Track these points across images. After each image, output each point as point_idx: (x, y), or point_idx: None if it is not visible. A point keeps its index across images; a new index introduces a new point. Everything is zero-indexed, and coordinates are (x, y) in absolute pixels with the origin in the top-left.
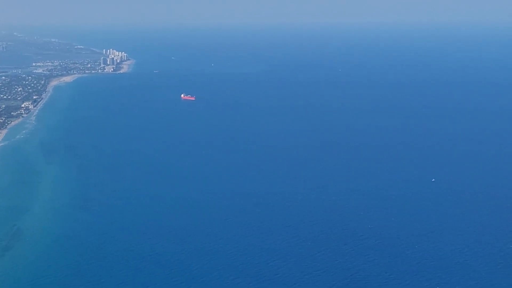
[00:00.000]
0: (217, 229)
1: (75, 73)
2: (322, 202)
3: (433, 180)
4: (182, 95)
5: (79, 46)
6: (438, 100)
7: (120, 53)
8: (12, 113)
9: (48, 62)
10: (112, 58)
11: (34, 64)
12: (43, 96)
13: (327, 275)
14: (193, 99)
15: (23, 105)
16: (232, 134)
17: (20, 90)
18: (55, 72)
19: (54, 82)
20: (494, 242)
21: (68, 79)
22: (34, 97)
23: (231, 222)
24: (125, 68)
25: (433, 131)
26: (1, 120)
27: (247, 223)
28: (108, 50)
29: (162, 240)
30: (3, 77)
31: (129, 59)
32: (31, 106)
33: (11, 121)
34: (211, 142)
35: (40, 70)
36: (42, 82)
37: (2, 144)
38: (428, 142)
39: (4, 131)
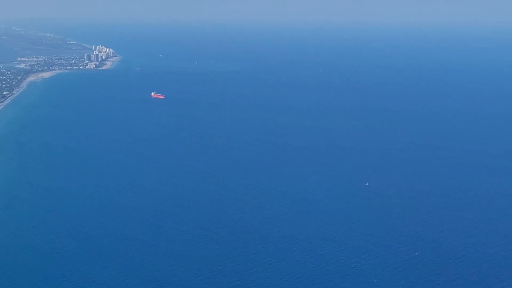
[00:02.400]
0: (129, 230)
1: (56, 69)
2: (243, 204)
3: (367, 184)
4: (153, 93)
5: (71, 42)
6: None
7: (107, 49)
8: None
9: (34, 57)
10: (97, 55)
11: (19, 59)
12: (14, 91)
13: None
14: (163, 97)
15: None
16: (183, 133)
17: None
18: (37, 68)
19: (31, 78)
20: (403, 249)
21: (46, 75)
22: (4, 93)
23: (146, 222)
24: (108, 65)
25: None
26: None
27: (161, 224)
28: (97, 46)
29: (67, 238)
30: None
31: (115, 56)
32: None
33: None
34: (159, 140)
35: (22, 66)
36: (19, 77)
37: None
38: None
39: None
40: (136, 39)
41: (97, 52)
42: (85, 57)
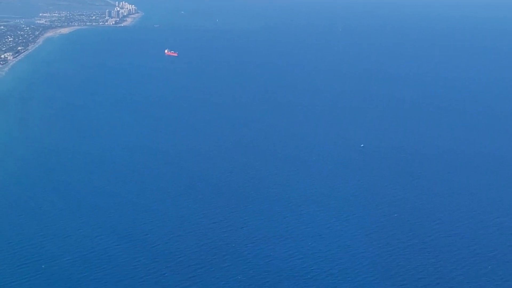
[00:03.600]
0: (113, 187)
1: (75, 25)
2: (232, 162)
3: (362, 145)
4: (166, 51)
5: None
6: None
7: (130, 6)
8: None
9: (55, 13)
10: (118, 11)
11: (40, 14)
12: (29, 47)
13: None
14: (176, 55)
15: (2, 56)
16: (187, 91)
17: (11, 40)
18: (57, 24)
19: (49, 34)
20: (384, 210)
21: (65, 30)
22: (19, 48)
23: (131, 179)
24: (128, 21)
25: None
26: None
27: (146, 181)
28: (120, 3)
29: (50, 194)
30: (2, 27)
31: (137, 12)
32: (10, 57)
33: None
34: (162, 99)
35: (43, 21)
36: (37, 33)
37: None
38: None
39: None
40: None
41: (118, 9)
42: (106, 14)
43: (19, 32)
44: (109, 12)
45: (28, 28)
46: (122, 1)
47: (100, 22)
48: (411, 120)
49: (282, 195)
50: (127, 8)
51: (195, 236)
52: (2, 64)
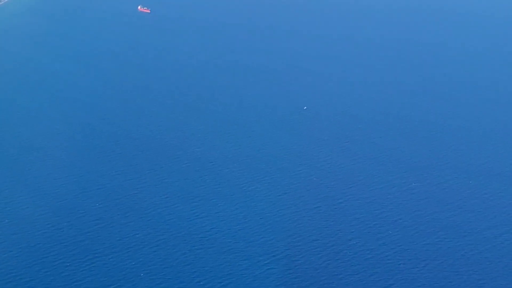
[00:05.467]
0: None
1: None
2: (166, 121)
3: (305, 108)
4: (139, 7)
5: None
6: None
7: None
8: None
9: None
10: None
11: None
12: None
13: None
14: (148, 11)
15: None
16: (146, 51)
17: None
18: None
19: None
20: (303, 173)
21: None
22: None
23: (58, 134)
24: None
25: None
26: None
27: (75, 139)
28: None
29: None
30: None
31: None
32: None
33: None
34: (117, 57)
35: None
36: None
37: None
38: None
39: None
40: None
41: None
42: None
43: None
44: None
45: None
46: None
47: None
48: (364, 83)
49: (205, 155)
50: None
51: (104, 192)
52: None
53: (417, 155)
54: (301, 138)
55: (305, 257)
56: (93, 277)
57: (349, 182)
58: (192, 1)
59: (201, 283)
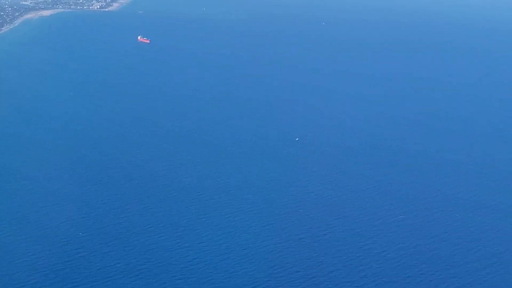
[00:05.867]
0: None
1: (59, 8)
2: (155, 150)
3: (297, 139)
4: (139, 37)
5: None
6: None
7: None
8: None
9: None
10: None
11: None
12: (3, 28)
13: None
14: (148, 42)
15: None
16: (143, 80)
17: None
18: (41, 6)
19: (29, 15)
20: (289, 206)
21: (47, 13)
22: None
23: (49, 164)
24: (114, 6)
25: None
26: None
27: (65, 168)
28: None
29: None
30: None
31: None
32: None
33: None
34: (111, 85)
35: (28, 2)
36: (17, 14)
37: None
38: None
39: None
40: None
41: None
42: None
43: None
44: None
45: (10, 8)
46: None
47: (85, 6)
48: (356, 116)
49: (193, 185)
50: None
51: (88, 221)
52: None
53: (406, 188)
54: (290, 169)
55: None
56: None
57: (335, 214)
58: (190, 33)
59: None
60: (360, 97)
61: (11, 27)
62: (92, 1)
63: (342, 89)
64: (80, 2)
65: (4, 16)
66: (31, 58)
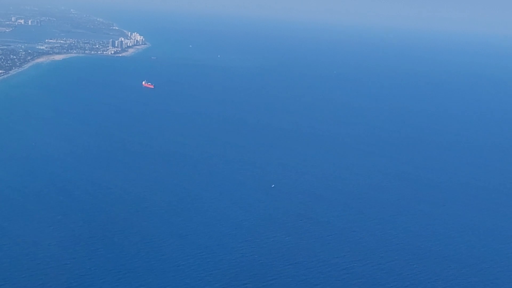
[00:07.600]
0: None
1: (73, 53)
2: (132, 197)
3: (273, 186)
4: (143, 82)
5: (114, 27)
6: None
7: (139, 36)
8: None
9: (62, 40)
10: (121, 41)
11: (46, 40)
12: (12, 71)
13: None
14: (152, 87)
15: None
16: (142, 127)
17: None
18: (55, 50)
19: (41, 59)
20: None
21: (59, 57)
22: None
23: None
24: (129, 52)
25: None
26: None
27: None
28: (133, 34)
29: None
30: None
31: (144, 43)
32: None
33: None
34: (111, 130)
35: (44, 47)
36: (29, 58)
37: None
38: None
39: None
40: (184, 28)
41: (122, 39)
42: (110, 43)
43: (12, 56)
44: (113, 42)
45: (24, 52)
46: (133, 32)
47: (100, 51)
48: (332, 164)
49: (158, 231)
50: (135, 38)
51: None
52: None
53: (373, 238)
54: (259, 217)
55: None
56: None
57: (293, 261)
58: (195, 79)
59: None
60: (337, 144)
61: (20, 70)
62: (108, 46)
63: (319, 136)
64: (96, 47)
65: (16, 59)
66: (33, 102)
